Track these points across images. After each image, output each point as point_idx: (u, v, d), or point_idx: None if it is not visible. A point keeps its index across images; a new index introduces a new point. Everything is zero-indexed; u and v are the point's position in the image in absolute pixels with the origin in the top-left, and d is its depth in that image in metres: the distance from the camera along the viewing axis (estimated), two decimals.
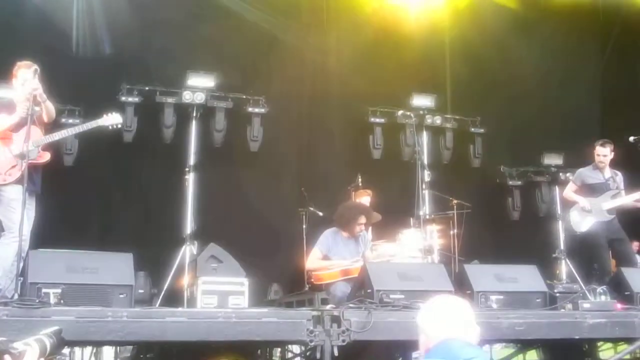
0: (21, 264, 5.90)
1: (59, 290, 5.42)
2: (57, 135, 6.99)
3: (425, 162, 11.65)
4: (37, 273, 5.61)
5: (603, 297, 6.93)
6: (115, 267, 5.86)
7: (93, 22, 10.51)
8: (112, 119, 7.28)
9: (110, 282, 5.68)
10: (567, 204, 9.63)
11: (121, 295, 5.63)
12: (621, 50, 13.48)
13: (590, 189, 9.20)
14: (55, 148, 7.34)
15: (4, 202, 6.47)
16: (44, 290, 5.41)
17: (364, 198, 9.98)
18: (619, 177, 9.26)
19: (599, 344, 7.40)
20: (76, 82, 10.16)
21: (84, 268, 5.71)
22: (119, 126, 7.44)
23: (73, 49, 10.35)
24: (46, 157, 6.84)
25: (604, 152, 9.12)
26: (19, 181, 6.38)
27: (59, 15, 10.28)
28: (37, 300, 5.16)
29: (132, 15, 10.62)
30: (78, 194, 10.15)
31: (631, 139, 9.01)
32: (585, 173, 9.36)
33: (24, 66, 6.81)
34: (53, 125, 7.44)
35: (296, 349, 8.05)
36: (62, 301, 5.37)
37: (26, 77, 6.70)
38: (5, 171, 6.46)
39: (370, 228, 9.00)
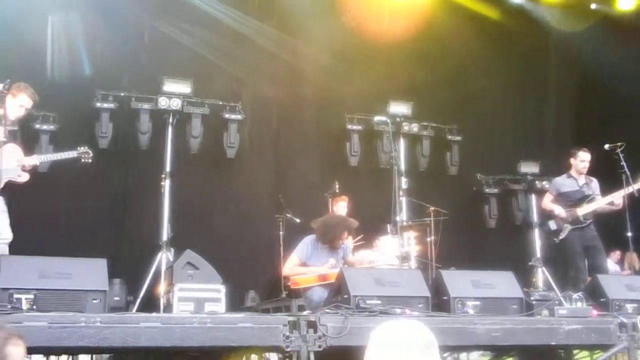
0: None
1: (32, 296, 5.33)
2: (37, 159, 7.30)
3: (402, 169, 11.66)
4: (9, 279, 5.51)
5: (579, 304, 6.94)
6: (88, 273, 5.77)
7: (69, 31, 10.42)
8: (84, 154, 7.56)
9: (83, 288, 5.60)
10: (546, 213, 9.76)
11: (95, 301, 5.55)
12: (595, 59, 13.62)
13: (566, 197, 9.37)
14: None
15: None
16: (16, 295, 5.31)
17: (341, 204, 9.98)
18: (594, 183, 9.41)
19: (575, 351, 7.39)
20: (51, 88, 10.06)
21: (57, 273, 5.63)
22: (90, 161, 7.80)
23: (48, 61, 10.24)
24: (25, 177, 7.11)
25: (588, 158, 9.33)
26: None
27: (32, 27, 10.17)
28: (9, 306, 5.08)
29: (107, 20, 10.55)
30: (53, 201, 10.03)
31: (606, 146, 9.15)
32: (560, 182, 9.54)
33: (27, 93, 7.01)
34: (29, 131, 7.59)
35: (273, 357, 8.00)
36: (34, 307, 5.29)
37: (25, 103, 7.02)
38: None
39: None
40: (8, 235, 6.82)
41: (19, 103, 6.98)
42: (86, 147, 7.77)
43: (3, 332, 3.11)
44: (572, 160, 9.44)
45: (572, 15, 13.02)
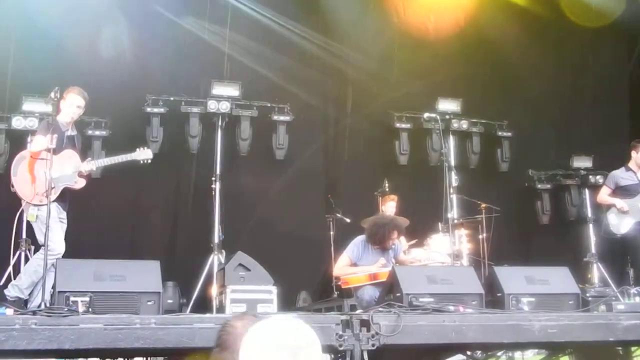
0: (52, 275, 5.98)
1: (87, 299, 5.45)
2: (94, 164, 7.25)
3: (453, 166, 11.54)
4: (65, 282, 5.63)
5: (638, 299, 6.80)
6: (142, 275, 5.87)
7: (117, 38, 10.56)
8: (144, 154, 7.58)
9: (137, 290, 5.69)
10: (602, 208, 9.55)
11: (149, 303, 5.64)
12: None
13: (625, 191, 9.15)
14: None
15: (40, 219, 6.60)
16: (72, 298, 5.44)
17: (390, 204, 9.94)
18: None
19: (634, 348, 7.22)
20: (102, 94, 10.20)
21: (112, 276, 5.74)
22: (149, 161, 7.63)
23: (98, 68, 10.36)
24: (81, 183, 7.10)
25: None
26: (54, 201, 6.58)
27: (82, 35, 10.32)
28: (66, 309, 5.17)
29: (155, 26, 10.68)
30: (105, 206, 10.18)
31: None
32: (619, 175, 9.30)
33: (75, 91, 7.11)
34: (82, 137, 7.67)
35: (325, 357, 7.98)
36: (90, 309, 5.38)
37: (75, 101, 7.08)
38: (42, 192, 6.56)
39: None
40: (60, 249, 6.73)
41: (70, 102, 7.05)
42: (145, 147, 7.64)
43: (250, 319, 3.19)
44: (633, 153, 9.18)
45: (624, 4, 12.71)
